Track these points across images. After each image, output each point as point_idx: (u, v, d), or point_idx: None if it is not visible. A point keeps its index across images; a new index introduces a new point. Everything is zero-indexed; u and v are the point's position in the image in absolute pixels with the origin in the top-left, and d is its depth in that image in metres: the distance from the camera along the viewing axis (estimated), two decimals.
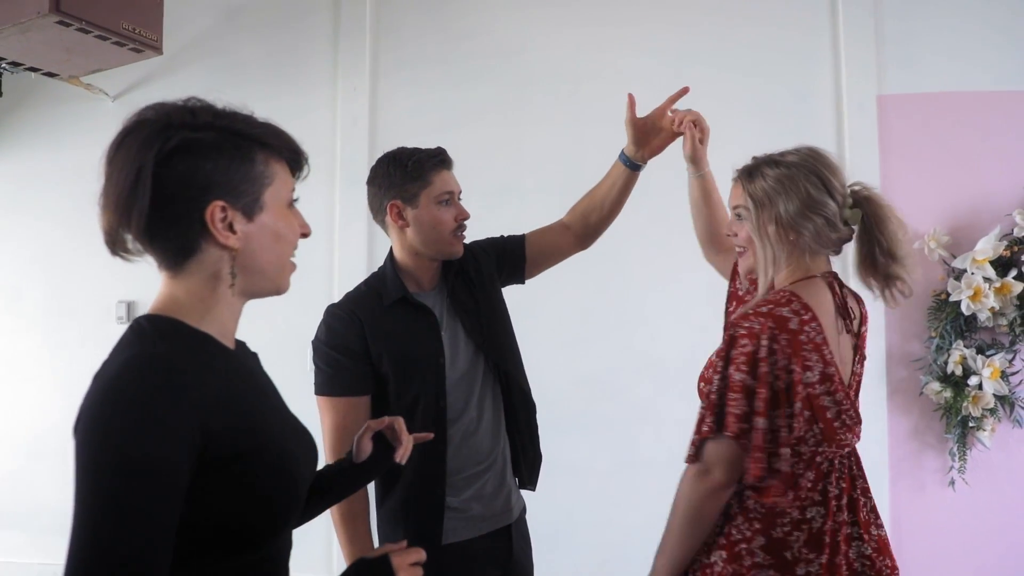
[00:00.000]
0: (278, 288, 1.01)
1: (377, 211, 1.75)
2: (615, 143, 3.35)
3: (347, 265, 3.43)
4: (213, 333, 0.93)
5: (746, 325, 1.30)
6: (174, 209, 0.89)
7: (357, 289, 1.77)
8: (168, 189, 0.88)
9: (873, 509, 1.47)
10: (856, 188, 1.42)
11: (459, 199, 1.75)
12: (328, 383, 1.66)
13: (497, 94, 3.44)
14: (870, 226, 1.39)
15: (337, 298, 3.42)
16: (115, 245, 0.92)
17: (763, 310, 1.30)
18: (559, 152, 3.39)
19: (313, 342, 1.72)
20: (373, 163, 3.43)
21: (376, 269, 1.81)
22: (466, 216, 1.72)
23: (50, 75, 3.26)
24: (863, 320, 1.49)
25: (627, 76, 3.41)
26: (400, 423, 1.30)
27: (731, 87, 3.32)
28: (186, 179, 0.89)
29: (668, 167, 2.12)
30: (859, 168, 3.20)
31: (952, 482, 3.08)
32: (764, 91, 3.30)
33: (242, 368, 0.97)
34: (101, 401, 0.82)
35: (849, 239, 1.42)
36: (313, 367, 1.71)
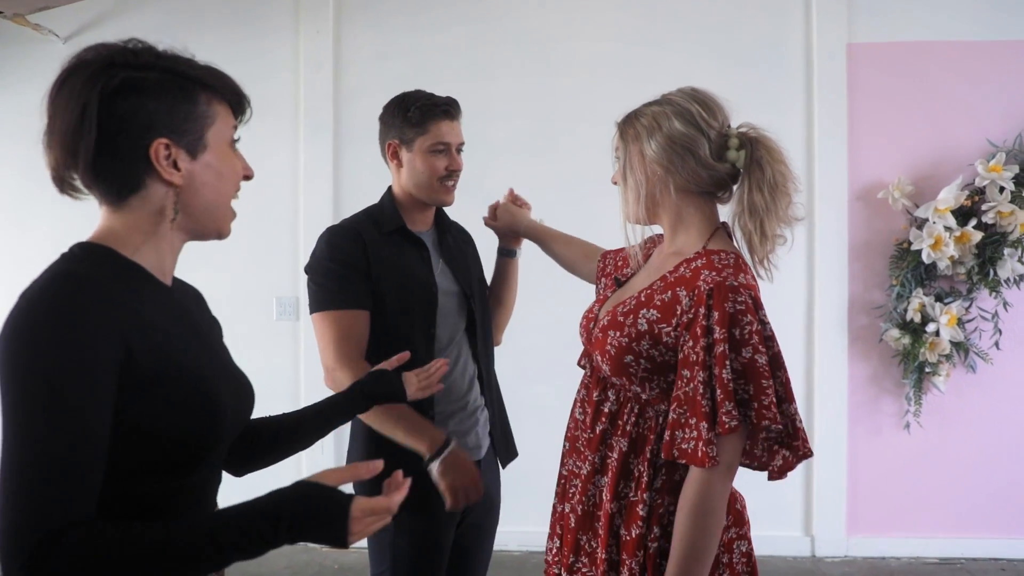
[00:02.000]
0: (219, 230, 1.04)
1: (381, 147, 1.82)
2: (583, 91, 3.33)
3: (312, 215, 3.38)
4: (147, 265, 0.97)
5: (740, 300, 1.19)
6: (118, 146, 0.91)
7: (355, 216, 1.81)
8: (113, 126, 0.90)
9: None
10: (744, 129, 1.33)
11: (458, 151, 1.79)
12: (331, 298, 1.67)
13: (466, 40, 3.37)
14: (754, 169, 1.28)
15: (303, 247, 3.41)
16: (62, 183, 0.94)
17: (741, 280, 1.22)
18: (528, 99, 3.34)
19: (312, 261, 1.73)
20: (338, 110, 3.41)
21: (342, 219, 1.82)
22: (458, 167, 1.77)
23: None
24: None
25: (596, 23, 3.36)
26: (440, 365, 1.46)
27: (700, 35, 3.29)
28: (130, 116, 0.91)
29: None
30: (827, 117, 3.22)
31: (908, 425, 3.19)
32: (734, 39, 3.28)
33: (172, 302, 1.00)
34: (25, 314, 0.84)
35: (725, 180, 1.31)
36: (312, 287, 1.71)
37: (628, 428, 1.29)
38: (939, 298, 3.11)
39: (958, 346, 3.11)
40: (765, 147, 1.30)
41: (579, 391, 1.42)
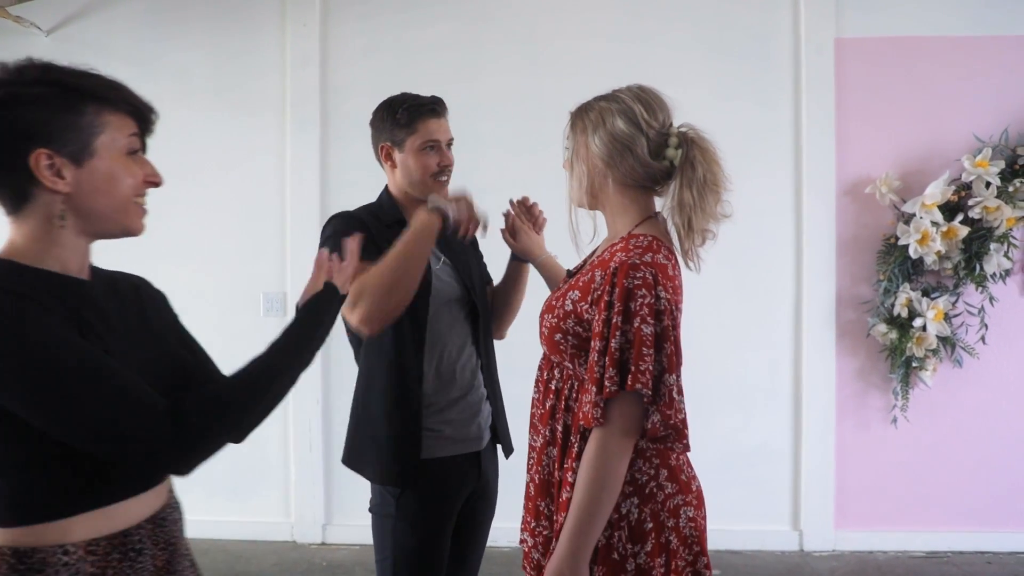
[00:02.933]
0: (125, 228, 1.08)
1: (375, 150, 1.87)
2: (572, 85, 3.30)
3: (299, 211, 3.36)
4: (56, 269, 1.03)
5: (639, 276, 1.29)
6: (1, 157, 0.98)
7: (355, 210, 1.86)
8: None
9: None
10: (684, 129, 1.41)
11: (448, 147, 1.84)
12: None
13: (454, 35, 3.35)
14: (686, 167, 1.36)
15: (290, 242, 3.38)
16: None
17: (647, 259, 1.31)
18: (515, 93, 3.33)
19: (328, 233, 1.74)
20: (324, 105, 3.38)
21: (331, 214, 1.85)
22: (449, 163, 1.83)
23: None
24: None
25: (585, 17, 3.35)
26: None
27: (688, 30, 3.28)
28: (9, 129, 0.98)
29: None
30: (815, 111, 3.22)
31: (895, 420, 3.20)
32: (722, 34, 3.27)
33: (87, 294, 1.06)
34: None
35: (660, 176, 1.40)
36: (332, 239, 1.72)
37: (570, 403, 1.40)
38: (926, 293, 3.13)
39: (945, 341, 3.12)
40: (700, 147, 1.38)
41: (538, 373, 1.54)
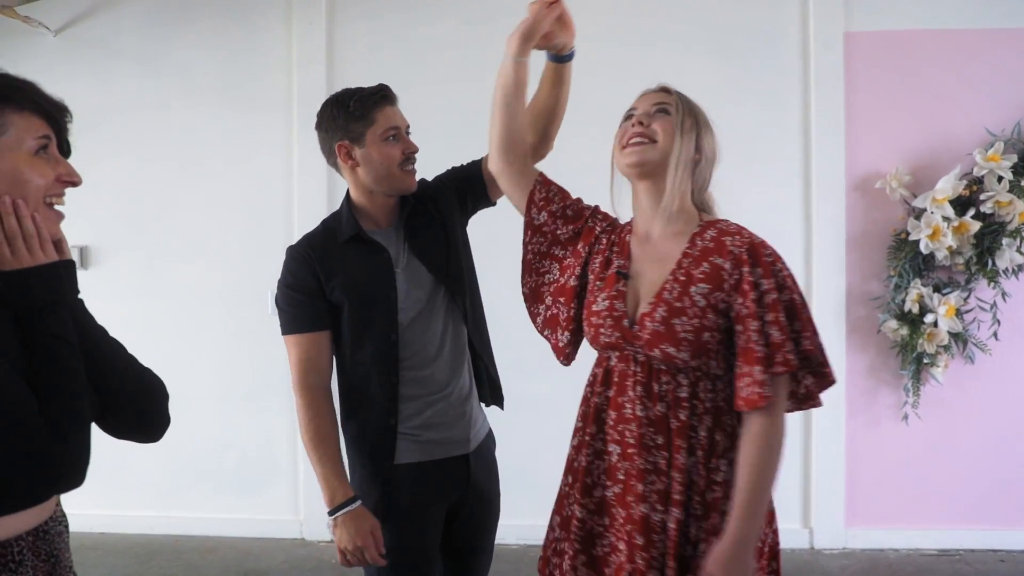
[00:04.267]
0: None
1: (328, 154, 1.77)
2: (579, 82, 3.29)
3: (306, 208, 3.35)
4: None
5: (768, 251, 1.36)
6: None
7: (314, 230, 1.81)
8: None
9: None
10: None
11: (407, 133, 1.76)
12: (291, 322, 1.73)
13: (458, 30, 3.34)
14: None
15: (296, 240, 3.38)
16: None
17: (758, 239, 1.39)
18: None
19: (277, 285, 1.77)
20: None
21: (302, 236, 1.83)
22: (414, 149, 1.74)
23: None
24: None
25: (591, 13, 3.32)
26: None
27: (697, 23, 3.26)
28: None
29: None
30: (824, 106, 3.20)
31: (906, 417, 3.17)
32: (730, 29, 3.25)
33: None
34: None
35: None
36: (277, 310, 1.76)
37: (708, 405, 1.36)
38: (937, 288, 3.10)
39: (956, 337, 3.09)
40: None
41: (618, 390, 1.41)
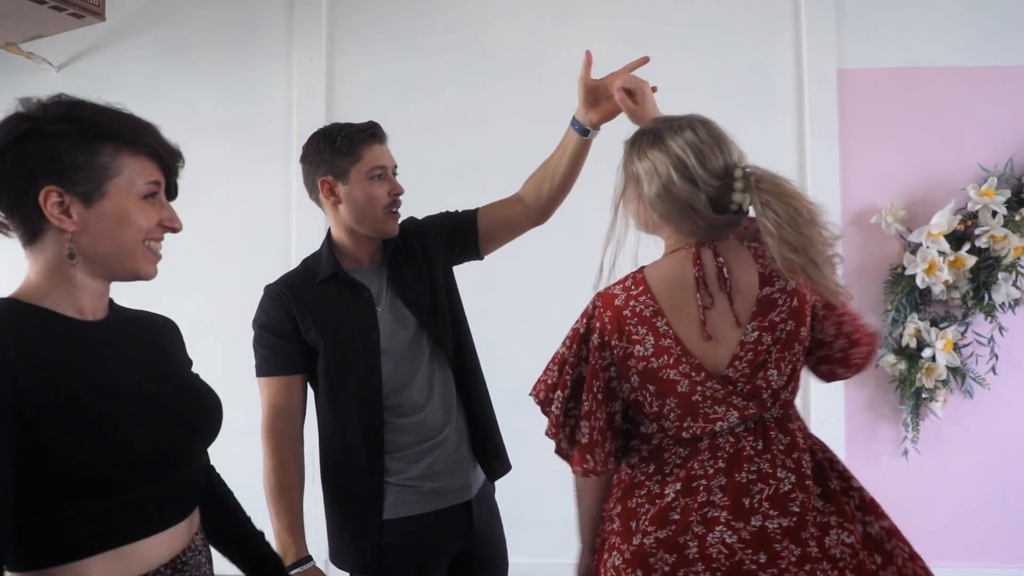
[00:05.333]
0: (134, 272, 1.07)
1: (311, 189, 1.72)
2: (571, 116, 3.33)
3: (304, 243, 3.35)
4: (56, 308, 1.01)
5: (587, 305, 1.42)
6: (15, 190, 0.98)
7: (293, 270, 1.77)
8: (10, 171, 0.98)
9: (780, 496, 1.31)
10: (748, 170, 1.38)
11: (393, 174, 1.71)
12: (263, 364, 1.69)
13: (457, 66, 3.38)
14: (766, 211, 1.31)
15: None
16: None
17: (601, 289, 1.41)
18: (520, 126, 3.34)
19: (252, 324, 1.73)
20: None
21: (280, 276, 1.81)
22: (400, 191, 1.69)
23: None
24: (763, 285, 1.37)
25: (575, 53, 3.37)
26: None
27: (690, 61, 3.30)
28: (23, 164, 0.97)
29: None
30: (818, 142, 3.23)
31: (905, 452, 3.15)
32: (724, 65, 3.29)
33: (90, 335, 1.03)
34: None
35: (725, 222, 1.38)
36: (253, 351, 1.73)
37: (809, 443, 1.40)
38: (934, 323, 3.10)
39: (955, 371, 3.09)
40: (768, 189, 1.33)
41: (738, 463, 1.32)
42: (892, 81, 3.22)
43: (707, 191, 1.34)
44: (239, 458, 3.47)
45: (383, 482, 1.63)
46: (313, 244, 3.33)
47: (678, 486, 1.32)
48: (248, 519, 1.34)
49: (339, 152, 1.64)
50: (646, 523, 1.31)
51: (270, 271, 3.40)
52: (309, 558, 1.59)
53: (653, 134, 1.41)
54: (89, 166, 1.00)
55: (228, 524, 1.29)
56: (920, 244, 3.04)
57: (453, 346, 1.74)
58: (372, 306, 1.66)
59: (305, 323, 1.64)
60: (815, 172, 3.23)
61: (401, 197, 1.70)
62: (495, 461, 1.82)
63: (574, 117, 1.78)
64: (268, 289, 1.73)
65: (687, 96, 3.27)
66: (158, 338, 1.20)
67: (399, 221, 1.71)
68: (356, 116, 3.42)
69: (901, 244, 3.14)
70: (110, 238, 1.03)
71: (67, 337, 1.01)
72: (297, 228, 3.43)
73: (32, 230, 1.00)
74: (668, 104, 3.30)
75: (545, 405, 1.41)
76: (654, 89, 1.75)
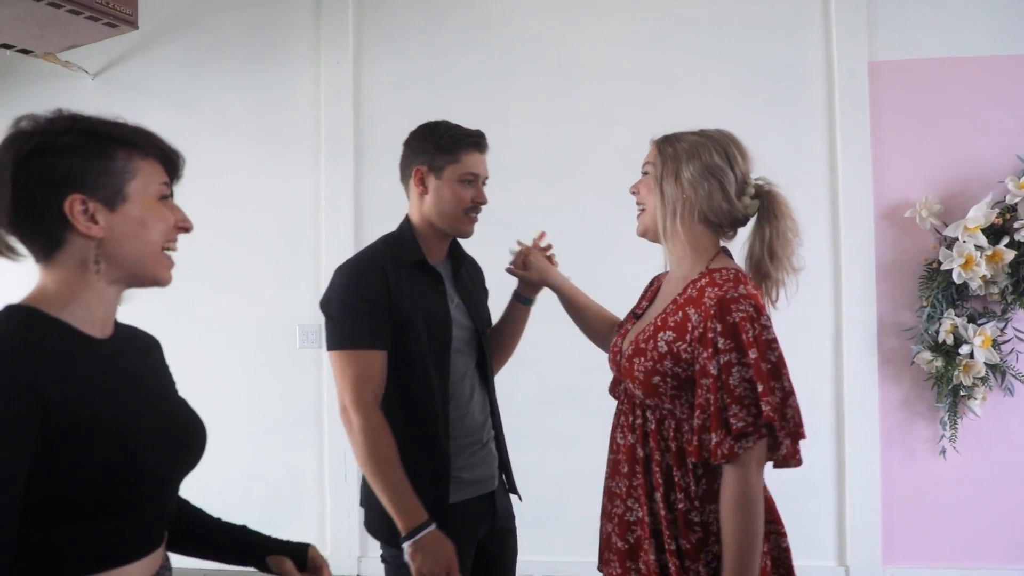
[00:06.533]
0: (154, 278, 1.08)
1: (404, 172, 1.79)
2: (600, 115, 3.33)
3: (334, 242, 3.40)
4: (74, 321, 1.02)
5: (741, 309, 1.32)
6: (35, 204, 0.99)
7: (374, 247, 1.77)
8: (28, 186, 0.98)
9: None
10: (760, 182, 1.47)
11: (483, 184, 1.78)
12: (350, 335, 1.64)
13: (482, 66, 3.39)
14: (763, 219, 1.44)
15: (324, 275, 3.41)
16: None
17: (742, 291, 1.34)
18: (545, 124, 3.35)
19: (331, 296, 1.69)
20: (358, 138, 3.44)
21: (361, 250, 1.81)
22: (483, 201, 1.76)
23: (24, 52, 3.19)
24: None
25: (612, 45, 3.37)
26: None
27: (719, 54, 3.27)
28: (43, 176, 0.98)
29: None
30: (850, 136, 3.18)
31: (943, 451, 3.09)
32: (753, 59, 3.26)
33: (101, 354, 1.04)
34: None
35: (742, 220, 1.47)
36: (332, 323, 1.68)
37: (670, 444, 1.40)
38: (972, 319, 3.03)
39: (994, 368, 3.02)
40: (779, 201, 1.45)
41: (616, 417, 1.53)
42: (925, 72, 3.16)
43: (736, 175, 1.45)
44: (311, 443, 3.51)
45: (449, 469, 1.67)
46: (342, 243, 3.40)
47: None
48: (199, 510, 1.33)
49: (441, 148, 1.70)
50: (773, 505, 1.46)
51: (300, 270, 3.49)
52: (429, 522, 1.57)
53: (689, 130, 1.50)
54: (108, 171, 1.02)
55: (189, 521, 1.27)
56: (956, 238, 2.97)
57: (490, 357, 1.85)
58: (446, 299, 1.75)
59: (397, 301, 1.66)
60: (846, 166, 3.18)
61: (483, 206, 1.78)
62: (510, 474, 1.89)
63: (516, 292, 1.92)
64: (360, 262, 1.71)
65: (717, 92, 3.27)
66: (152, 357, 1.20)
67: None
68: (382, 116, 3.48)
69: (936, 239, 3.08)
70: (135, 240, 1.04)
71: (85, 355, 1.01)
72: (326, 228, 3.47)
73: (53, 242, 1.00)
74: (696, 99, 3.29)
75: (784, 421, 1.33)
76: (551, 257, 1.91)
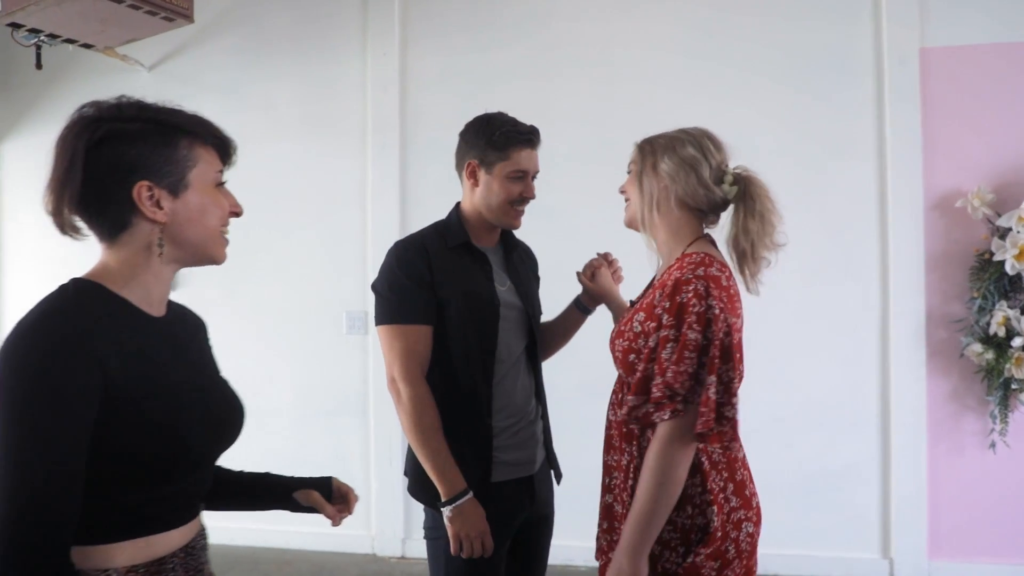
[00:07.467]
0: (212, 258, 1.14)
1: (458, 163, 1.85)
2: (645, 105, 3.32)
3: (380, 231, 3.46)
4: (133, 299, 1.07)
5: (690, 289, 1.40)
6: (104, 188, 1.03)
7: (423, 230, 1.86)
8: (98, 172, 1.02)
9: None
10: (738, 170, 1.54)
11: (533, 179, 1.83)
12: (398, 311, 1.72)
13: (526, 58, 3.41)
14: (740, 201, 1.51)
15: (371, 262, 3.49)
16: (62, 225, 1.06)
17: (699, 273, 1.41)
18: (588, 115, 3.36)
19: (380, 275, 1.79)
20: (404, 129, 3.49)
21: (410, 234, 1.88)
22: (531, 196, 1.81)
23: (86, 46, 3.31)
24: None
25: (656, 35, 3.36)
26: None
27: (766, 42, 3.24)
28: (113, 163, 1.03)
29: None
30: (900, 124, 3.12)
31: (993, 444, 3.04)
32: (801, 46, 3.22)
33: (158, 331, 1.09)
34: (15, 344, 0.96)
35: (721, 204, 1.54)
36: (380, 300, 1.77)
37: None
38: None
39: None
40: (755, 183, 1.52)
41: (611, 396, 1.64)
42: (979, 58, 3.08)
43: (711, 164, 1.53)
44: (357, 428, 3.59)
45: (492, 447, 1.73)
46: (388, 231, 3.46)
47: (742, 452, 1.53)
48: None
49: (493, 145, 1.75)
50: (751, 488, 1.52)
51: (347, 257, 3.57)
52: (467, 491, 1.67)
53: (667, 131, 1.59)
54: (172, 159, 1.06)
55: (217, 480, 1.30)
56: (1010, 228, 2.91)
57: (538, 343, 1.89)
58: (492, 279, 1.80)
59: (439, 279, 1.73)
60: (895, 155, 3.13)
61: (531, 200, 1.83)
62: (553, 457, 1.93)
63: (578, 300, 1.97)
64: (404, 242, 1.80)
65: (764, 79, 3.24)
66: (199, 337, 1.25)
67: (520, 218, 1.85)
68: (427, 107, 3.53)
69: (989, 229, 3.02)
70: (196, 225, 1.09)
71: (142, 331, 1.06)
72: (373, 216, 3.54)
73: (119, 224, 1.05)
74: (742, 87, 3.26)
75: (692, 395, 1.37)
76: (617, 271, 2.00)
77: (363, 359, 3.54)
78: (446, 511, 1.65)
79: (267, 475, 1.37)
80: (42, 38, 3.13)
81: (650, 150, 1.56)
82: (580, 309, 1.97)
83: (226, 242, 1.15)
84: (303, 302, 3.58)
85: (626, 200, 1.64)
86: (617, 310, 1.93)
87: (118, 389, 0.97)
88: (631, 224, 1.62)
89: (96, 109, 1.05)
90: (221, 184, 1.14)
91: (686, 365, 1.37)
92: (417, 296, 1.71)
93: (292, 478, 1.38)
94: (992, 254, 2.95)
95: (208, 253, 1.12)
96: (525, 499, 1.79)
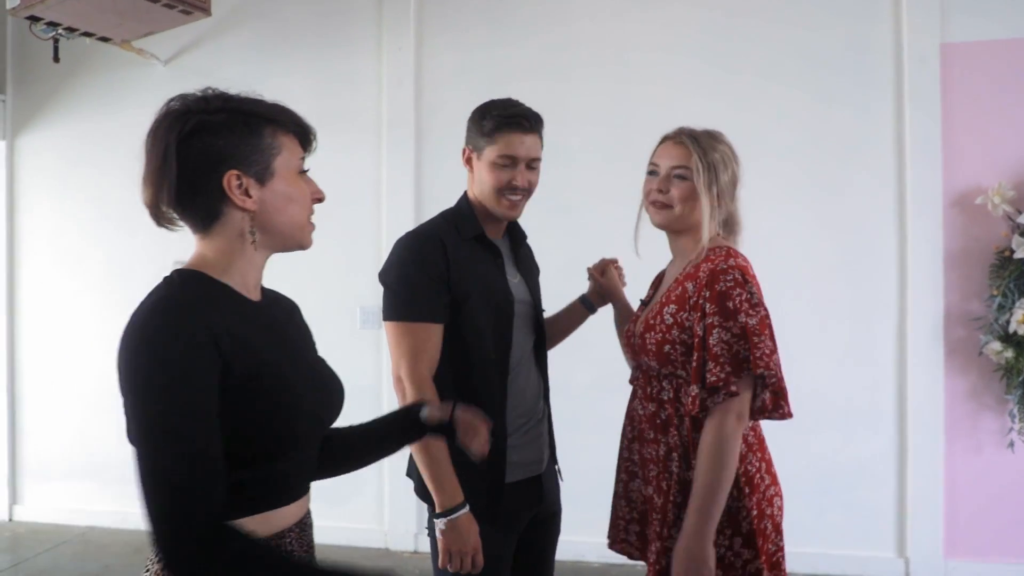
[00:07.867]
0: (300, 243, 1.18)
1: (463, 151, 1.82)
2: (661, 102, 3.30)
3: (394, 225, 3.46)
4: (233, 284, 1.11)
5: (729, 278, 1.47)
6: (196, 180, 1.06)
7: (433, 221, 1.78)
8: (190, 163, 1.05)
9: None
10: None
11: (529, 166, 1.72)
12: (408, 306, 1.64)
13: (541, 53, 3.40)
14: None
15: (385, 257, 3.48)
16: (158, 217, 1.10)
17: (731, 263, 1.49)
18: (604, 111, 3.34)
19: (388, 267, 1.71)
20: (419, 124, 3.49)
21: (420, 224, 1.83)
22: (520, 184, 1.70)
23: (104, 40, 3.33)
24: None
25: (673, 32, 3.33)
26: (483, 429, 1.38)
27: (784, 36, 3.21)
28: (203, 154, 1.05)
29: None
30: (919, 120, 3.09)
31: (1011, 444, 3.01)
32: (820, 44, 3.19)
33: (259, 314, 1.13)
34: (139, 333, 0.99)
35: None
36: (389, 294, 1.69)
37: (688, 407, 1.52)
38: None
39: None
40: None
41: (631, 398, 1.70)
42: (1000, 54, 3.04)
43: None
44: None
45: (506, 444, 1.68)
46: (402, 225, 3.39)
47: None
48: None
49: (482, 130, 1.70)
50: (771, 467, 1.59)
51: (361, 251, 3.57)
52: (467, 502, 1.61)
53: (705, 131, 1.63)
54: (258, 148, 1.08)
55: (341, 441, 1.34)
56: None
57: (544, 338, 1.85)
58: (505, 273, 1.76)
59: (456, 275, 1.64)
60: (915, 152, 3.10)
61: (524, 189, 1.73)
62: (554, 455, 1.89)
63: (584, 297, 1.98)
64: (418, 234, 1.71)
65: (784, 74, 3.21)
66: (295, 319, 1.28)
67: (517, 209, 1.76)
68: (442, 102, 3.53)
69: (1009, 226, 2.98)
70: (284, 213, 1.11)
71: (245, 314, 1.09)
72: (387, 210, 3.54)
73: (212, 214, 1.08)
74: (761, 83, 3.24)
75: (773, 372, 1.45)
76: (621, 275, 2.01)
77: (376, 354, 3.55)
78: (439, 523, 1.58)
79: (372, 421, 1.40)
80: (60, 31, 3.15)
81: (709, 164, 1.57)
82: (586, 306, 1.95)
83: (312, 227, 1.18)
84: (317, 296, 3.55)
85: (661, 203, 1.61)
86: (622, 310, 1.94)
87: (231, 369, 1.00)
88: (667, 226, 1.64)
89: (183, 102, 1.07)
90: (303, 171, 1.16)
91: (762, 348, 1.43)
92: (430, 292, 1.63)
93: (397, 412, 1.41)
94: (1012, 251, 2.92)
95: (296, 239, 1.15)
96: (534, 498, 1.75)
